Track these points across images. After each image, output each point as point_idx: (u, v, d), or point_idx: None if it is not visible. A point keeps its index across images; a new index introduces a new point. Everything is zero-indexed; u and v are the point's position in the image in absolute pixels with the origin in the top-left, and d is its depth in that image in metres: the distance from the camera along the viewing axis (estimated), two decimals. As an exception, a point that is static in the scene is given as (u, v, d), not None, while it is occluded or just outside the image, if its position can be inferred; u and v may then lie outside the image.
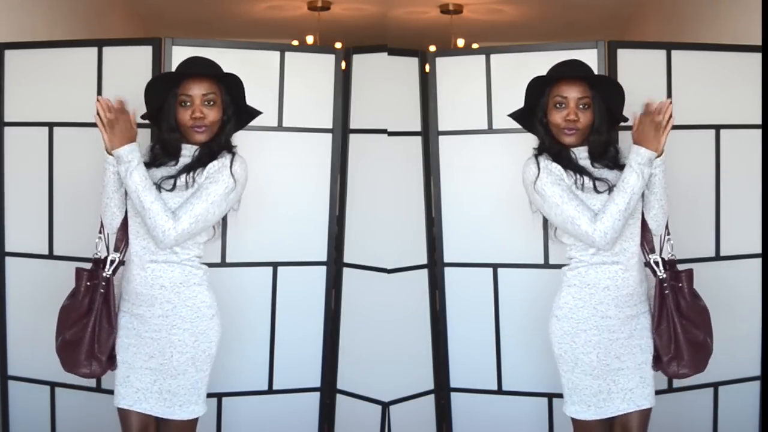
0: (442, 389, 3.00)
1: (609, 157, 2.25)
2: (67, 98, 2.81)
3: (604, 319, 2.21)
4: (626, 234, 2.19)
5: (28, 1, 3.51)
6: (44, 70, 2.83)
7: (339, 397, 3.01)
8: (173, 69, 2.73)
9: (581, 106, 2.19)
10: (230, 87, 2.26)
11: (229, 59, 2.81)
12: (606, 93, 2.22)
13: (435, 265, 2.97)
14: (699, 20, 4.31)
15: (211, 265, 2.84)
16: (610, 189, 2.17)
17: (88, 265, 2.29)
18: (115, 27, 5.28)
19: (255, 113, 2.36)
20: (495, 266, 2.90)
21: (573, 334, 2.23)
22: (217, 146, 2.24)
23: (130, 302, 2.23)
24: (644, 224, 2.24)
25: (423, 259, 2.99)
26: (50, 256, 2.84)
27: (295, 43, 5.93)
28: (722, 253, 2.83)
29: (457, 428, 3.00)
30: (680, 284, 2.23)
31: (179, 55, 2.74)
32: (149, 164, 2.22)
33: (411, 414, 2.96)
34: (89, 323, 2.21)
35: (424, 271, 2.99)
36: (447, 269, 2.95)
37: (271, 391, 2.95)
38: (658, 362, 2.24)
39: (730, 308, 2.78)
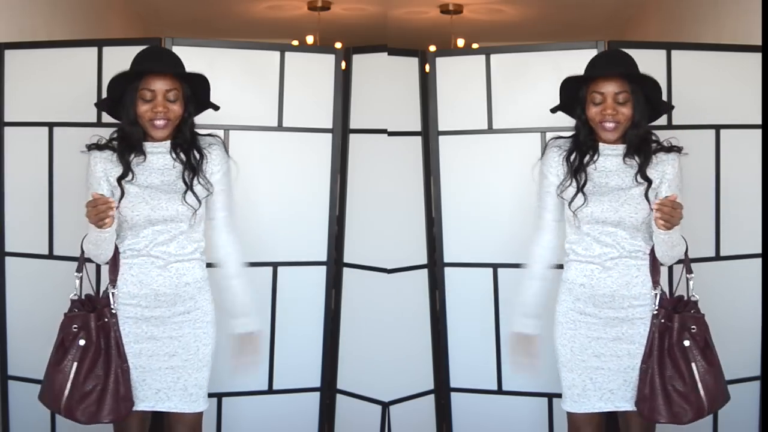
0: (442, 389, 3.00)
1: (642, 158, 2.20)
2: (67, 98, 2.81)
3: (582, 316, 2.23)
4: (607, 240, 2.20)
5: (28, 1, 3.51)
6: (44, 70, 2.83)
7: (339, 397, 3.01)
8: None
9: (620, 101, 2.16)
10: (193, 83, 2.23)
11: (229, 59, 2.82)
12: (644, 86, 2.20)
13: (435, 265, 2.97)
14: (699, 20, 4.31)
15: (210, 265, 2.84)
16: (586, 199, 2.18)
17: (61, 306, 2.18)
18: (114, 27, 5.27)
19: (214, 108, 2.33)
20: (495, 266, 2.90)
21: (554, 327, 2.28)
22: (186, 142, 2.23)
23: (141, 306, 2.18)
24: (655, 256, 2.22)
25: (423, 259, 2.99)
26: (50, 256, 2.84)
27: (295, 43, 5.93)
28: (722, 253, 2.83)
29: (457, 428, 3.00)
30: (671, 324, 2.15)
31: (179, 54, 2.74)
32: (123, 174, 2.16)
33: (411, 414, 2.96)
34: (110, 369, 2.13)
35: (424, 271, 2.99)
36: (447, 269, 2.95)
37: (271, 391, 2.95)
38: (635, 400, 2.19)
39: (730, 308, 2.78)
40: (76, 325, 2.13)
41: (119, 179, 2.16)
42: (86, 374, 2.11)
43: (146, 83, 2.15)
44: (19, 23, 3.38)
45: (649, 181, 2.18)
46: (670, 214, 2.01)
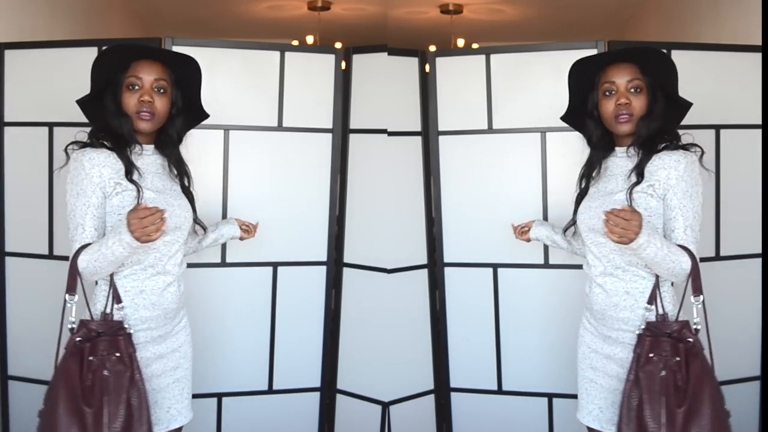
0: (442, 389, 3.00)
1: (642, 154, 2.03)
2: (67, 98, 2.79)
3: (589, 325, 2.17)
4: (596, 252, 2.09)
5: (28, 1, 3.51)
6: (44, 70, 2.83)
7: (339, 397, 3.01)
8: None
9: (632, 90, 2.03)
10: (181, 80, 2.09)
11: (229, 59, 2.82)
12: (660, 75, 2.05)
13: (435, 265, 2.97)
14: (699, 20, 4.31)
15: (211, 265, 2.85)
16: (580, 206, 2.16)
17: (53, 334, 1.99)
18: (114, 27, 5.27)
19: (204, 115, 2.19)
20: (495, 266, 2.90)
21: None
22: (170, 141, 2.11)
23: (151, 329, 2.03)
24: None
25: (423, 259, 2.99)
26: (50, 256, 2.84)
27: (295, 43, 5.93)
28: (722, 253, 2.83)
29: (457, 428, 3.00)
30: (677, 358, 1.91)
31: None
32: (129, 170, 1.98)
33: (411, 414, 2.96)
34: (141, 391, 1.93)
35: (424, 271, 2.99)
36: (447, 269, 2.95)
37: (271, 391, 2.95)
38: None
39: (730, 308, 2.78)
40: (104, 359, 1.90)
41: (129, 178, 1.97)
42: (115, 414, 1.88)
43: (134, 70, 2.01)
44: (19, 23, 3.38)
45: (640, 179, 2.00)
46: (622, 227, 1.79)
